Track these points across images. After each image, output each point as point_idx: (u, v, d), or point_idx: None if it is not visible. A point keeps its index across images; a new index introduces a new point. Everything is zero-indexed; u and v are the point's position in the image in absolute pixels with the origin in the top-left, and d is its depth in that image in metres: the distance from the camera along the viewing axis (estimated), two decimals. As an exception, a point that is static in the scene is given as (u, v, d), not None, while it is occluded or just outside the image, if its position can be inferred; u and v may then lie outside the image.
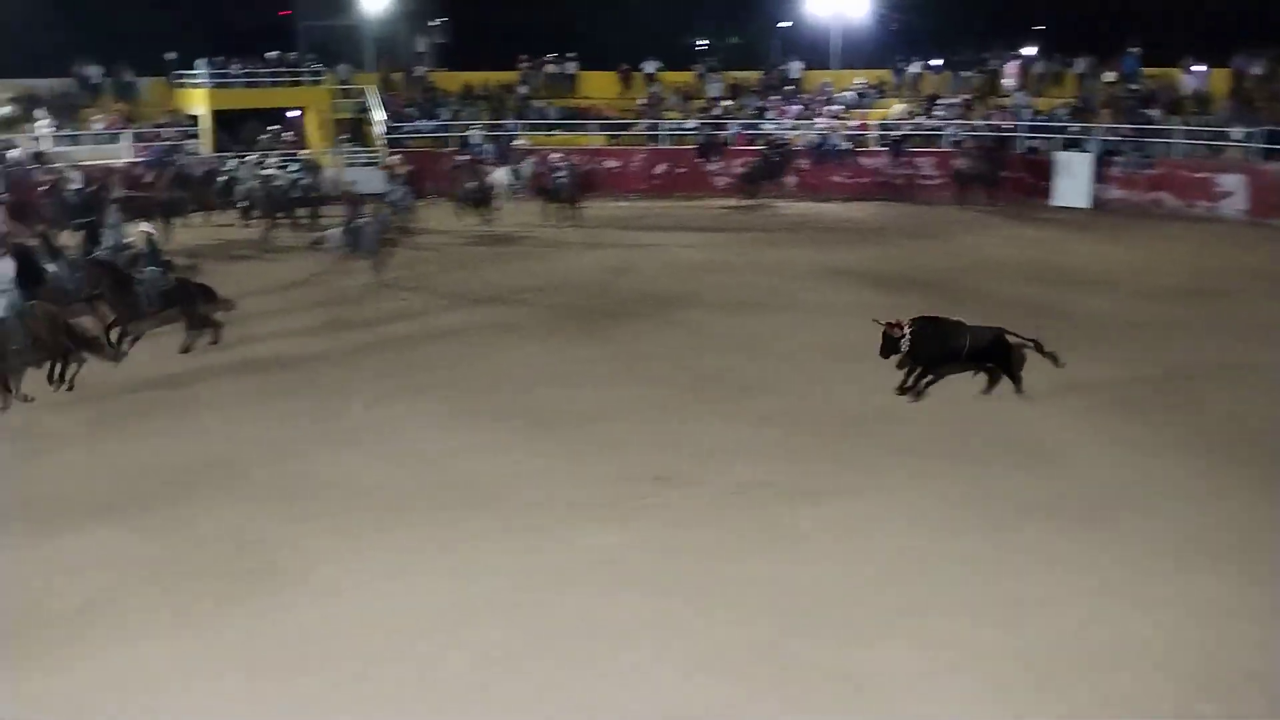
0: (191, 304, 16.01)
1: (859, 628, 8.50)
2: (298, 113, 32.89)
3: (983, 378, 13.44)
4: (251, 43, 33.00)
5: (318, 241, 21.13)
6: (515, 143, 30.54)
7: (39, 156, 27.34)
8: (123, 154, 28.89)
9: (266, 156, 27.59)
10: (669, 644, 8.33)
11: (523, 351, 16.12)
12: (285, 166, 26.94)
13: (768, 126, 32.51)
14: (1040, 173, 29.42)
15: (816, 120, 32.28)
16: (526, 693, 7.80)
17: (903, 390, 13.37)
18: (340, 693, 7.81)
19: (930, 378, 13.39)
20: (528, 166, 27.84)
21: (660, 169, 32.02)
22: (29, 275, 15.55)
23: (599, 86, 35.18)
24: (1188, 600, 8.84)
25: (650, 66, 35.21)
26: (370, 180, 29.31)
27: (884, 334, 13.07)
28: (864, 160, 31.31)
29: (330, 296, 19.63)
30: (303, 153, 29.92)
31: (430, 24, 39.79)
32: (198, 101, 31.14)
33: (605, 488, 11.12)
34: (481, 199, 26.07)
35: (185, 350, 15.89)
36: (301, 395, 14.22)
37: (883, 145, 31.46)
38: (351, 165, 30.02)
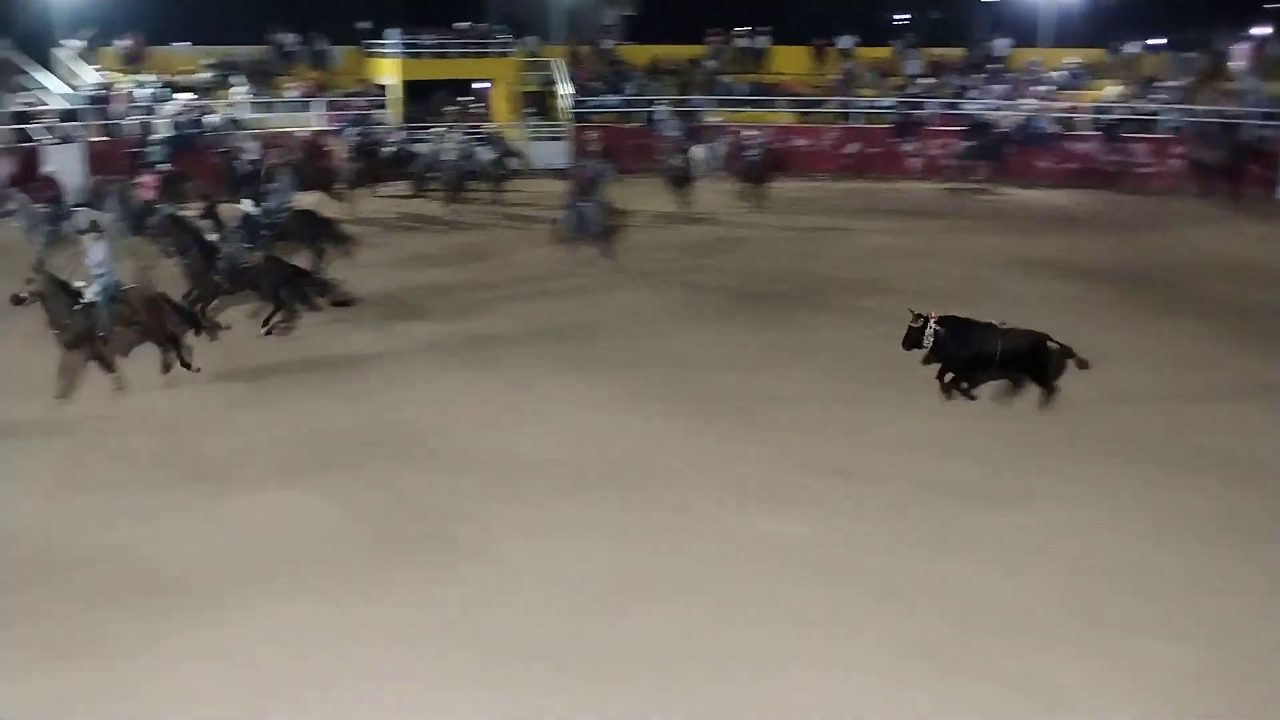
0: (274, 285, 15.24)
1: (1051, 640, 8.08)
2: (485, 84, 32.73)
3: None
4: (443, 13, 32.93)
5: (554, 225, 19.90)
6: (708, 119, 29.53)
7: (234, 123, 27.77)
8: (313, 122, 29.12)
9: (453, 129, 27.34)
10: (847, 638, 8.11)
11: (701, 334, 15.63)
12: (470, 140, 26.65)
13: (969, 107, 30.70)
14: (1270, 164, 26.88)
15: (1022, 101, 30.33)
16: (702, 675, 7.66)
17: (944, 390, 12.30)
18: (510, 668, 7.73)
19: (965, 382, 12.28)
20: (721, 145, 26.77)
21: (852, 149, 30.62)
22: (189, 241, 15.55)
23: (790, 62, 33.87)
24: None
25: (846, 42, 33.75)
26: (554, 154, 29.13)
27: (909, 325, 12.12)
28: (1073, 145, 29.26)
29: (513, 272, 19.29)
30: (488, 125, 29.67)
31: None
32: (388, 71, 31.22)
33: (781, 475, 10.94)
34: (684, 177, 25.05)
35: (267, 330, 15.16)
36: (479, 368, 14.12)
37: (1095, 130, 29.33)
38: (536, 139, 29.64)
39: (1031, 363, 12.03)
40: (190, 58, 30.13)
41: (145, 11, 29.89)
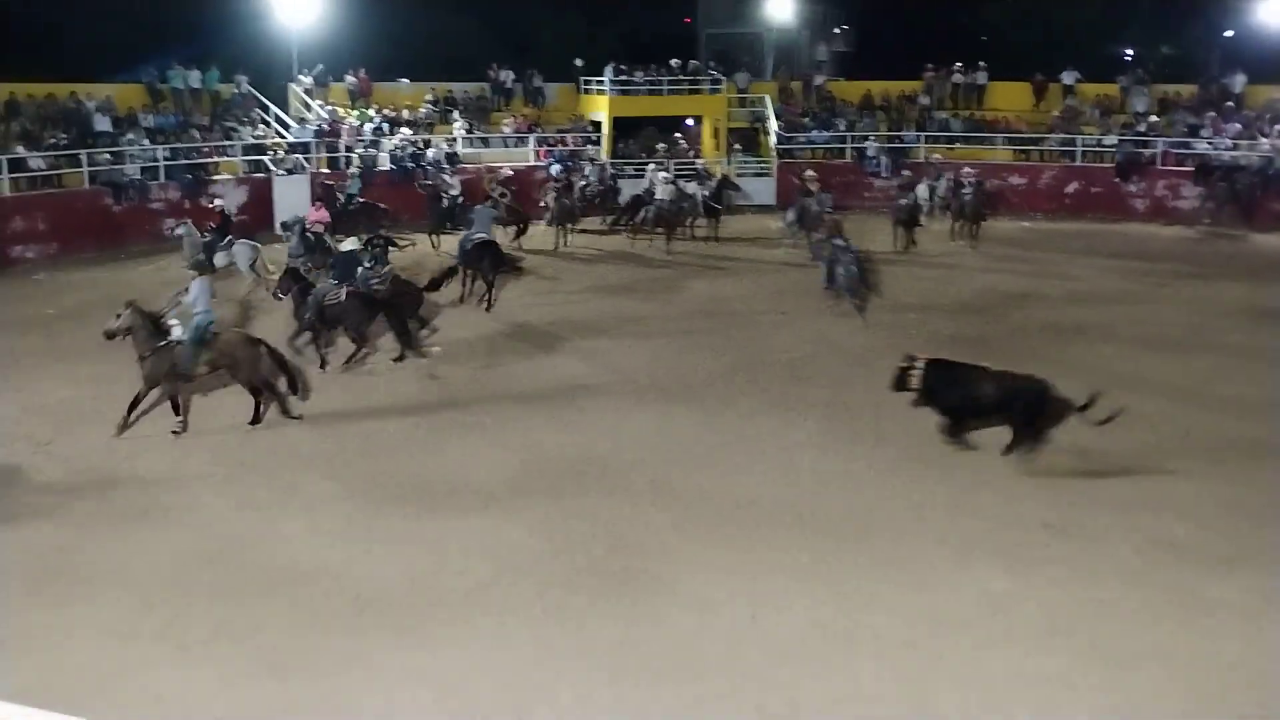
0: (357, 324, 15.42)
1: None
2: (693, 121, 32.88)
3: None
4: (656, 50, 33.30)
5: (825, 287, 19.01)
6: (930, 156, 28.74)
7: (452, 157, 28.64)
8: (527, 157, 29.78)
9: (663, 165, 27.45)
10: (1057, 708, 7.58)
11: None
12: (681, 177, 26.71)
13: (1201, 146, 29.10)
14: None
15: (1261, 141, 28.56)
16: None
17: (944, 435, 11.74)
18: (704, 708, 7.57)
19: (960, 427, 11.62)
20: (944, 182, 26.03)
21: (1072, 188, 29.51)
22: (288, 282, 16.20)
23: (1009, 98, 32.87)
24: None
25: (1069, 77, 32.53)
26: (759, 191, 28.97)
27: (898, 366, 11.66)
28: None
29: (716, 307, 19.16)
30: (699, 161, 29.74)
31: (832, 32, 38.87)
32: (599, 108, 31.70)
33: (992, 530, 10.35)
34: (912, 217, 24.40)
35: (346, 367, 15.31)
36: (682, 402, 14.03)
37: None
38: (742, 175, 29.54)
39: (1028, 410, 11.28)
40: (413, 93, 31.28)
41: (371, 49, 31.26)
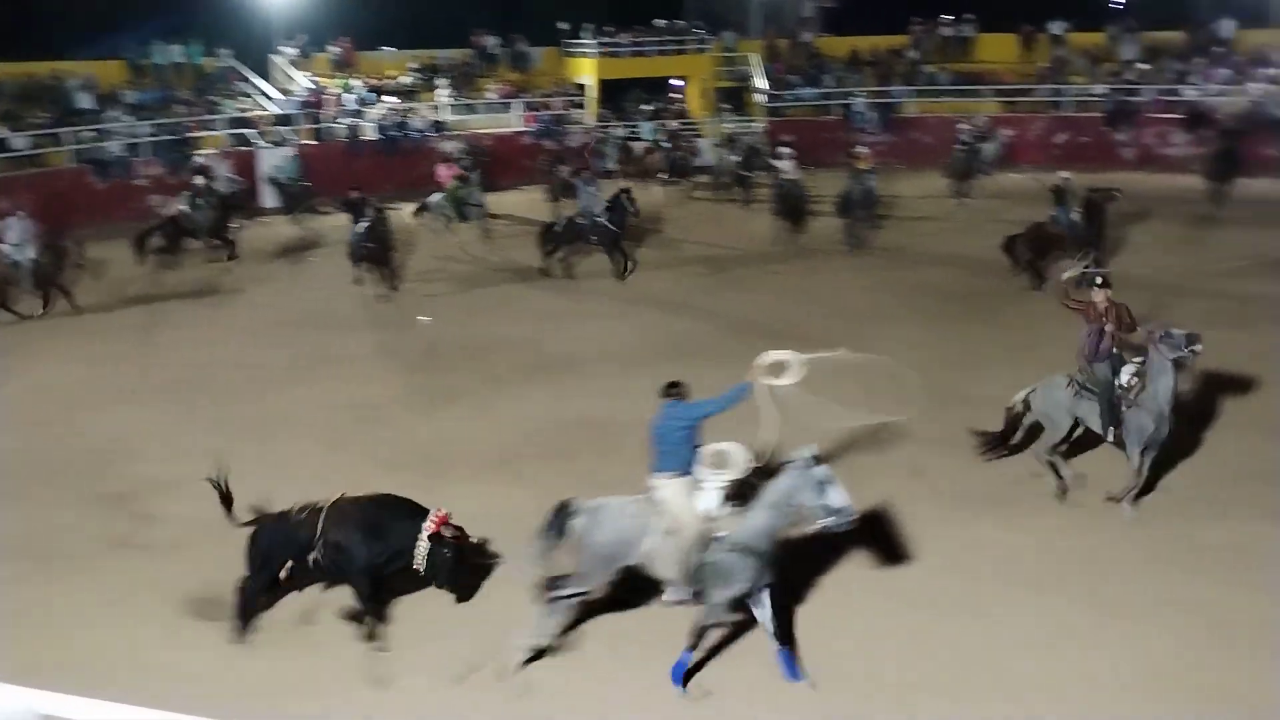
0: None
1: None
2: (681, 82, 32.64)
3: None
4: (641, 11, 32.97)
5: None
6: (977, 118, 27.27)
7: (437, 125, 28.43)
8: (513, 123, 29.58)
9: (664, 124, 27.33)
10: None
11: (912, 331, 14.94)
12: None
13: (1190, 93, 28.94)
14: None
15: (1249, 85, 28.38)
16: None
17: None
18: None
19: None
20: (998, 139, 25.78)
21: (1061, 139, 29.37)
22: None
23: (997, 50, 32.68)
24: None
25: (1057, 27, 32.34)
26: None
27: None
28: (1311, 133, 27.19)
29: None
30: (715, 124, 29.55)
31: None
32: (586, 71, 31.46)
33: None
34: (967, 170, 24.41)
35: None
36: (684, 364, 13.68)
37: (1330, 115, 27.23)
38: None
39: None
40: (397, 61, 31.01)
41: (354, 17, 30.90)
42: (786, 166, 21.52)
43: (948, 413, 11.73)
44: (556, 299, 17.50)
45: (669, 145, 27.85)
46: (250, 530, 8.35)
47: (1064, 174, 18.34)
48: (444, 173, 22.24)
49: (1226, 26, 31.14)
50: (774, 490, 7.34)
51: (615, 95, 31.79)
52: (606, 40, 31.35)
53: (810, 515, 7.30)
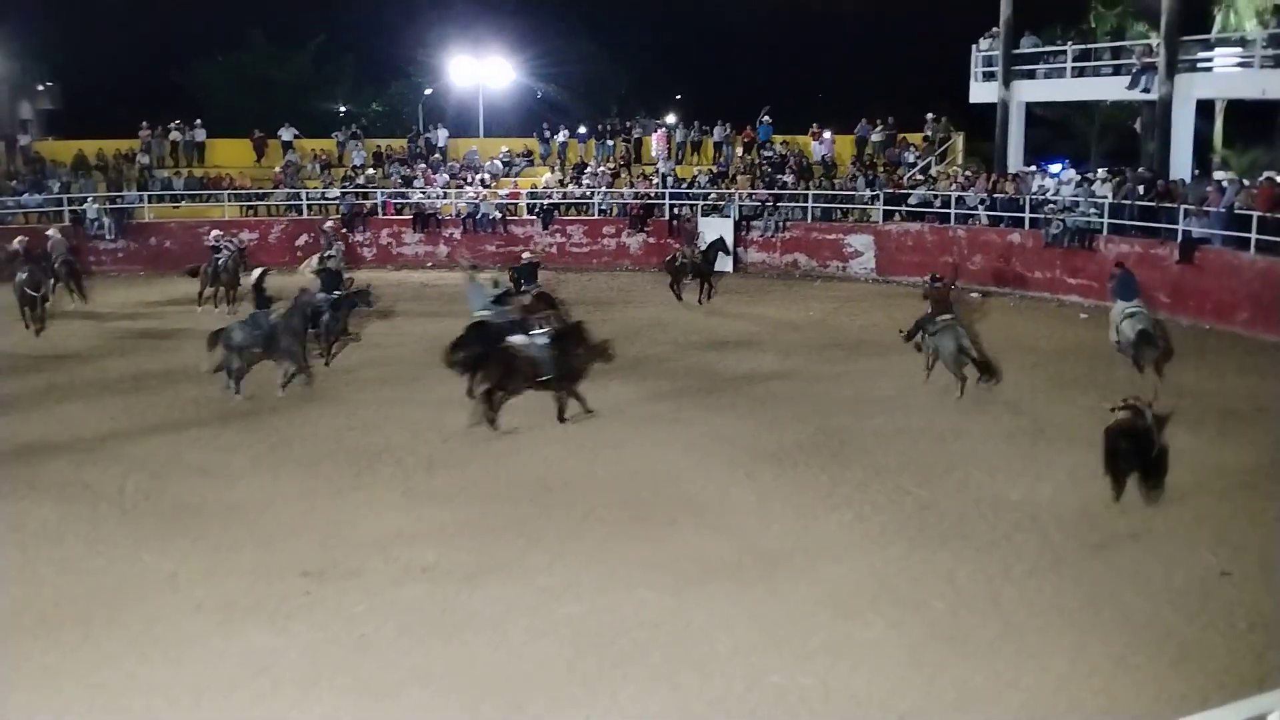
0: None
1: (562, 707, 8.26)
2: None
3: None
4: None
5: None
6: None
7: None
8: None
9: None
10: None
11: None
12: None
13: (416, 195, 31.43)
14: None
15: (466, 189, 31.47)
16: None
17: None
18: None
19: None
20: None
21: (302, 240, 30.29)
22: None
23: (231, 155, 33.11)
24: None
25: (287, 134, 33.47)
26: None
27: None
28: (515, 229, 30.79)
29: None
30: None
31: (36, 89, 36.39)
32: None
33: (253, 585, 9.97)
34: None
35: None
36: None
37: (532, 214, 31.06)
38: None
39: None
40: None
41: None
42: None
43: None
44: None
45: None
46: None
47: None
48: None
49: (441, 135, 34.36)
50: None
51: None
52: None
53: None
